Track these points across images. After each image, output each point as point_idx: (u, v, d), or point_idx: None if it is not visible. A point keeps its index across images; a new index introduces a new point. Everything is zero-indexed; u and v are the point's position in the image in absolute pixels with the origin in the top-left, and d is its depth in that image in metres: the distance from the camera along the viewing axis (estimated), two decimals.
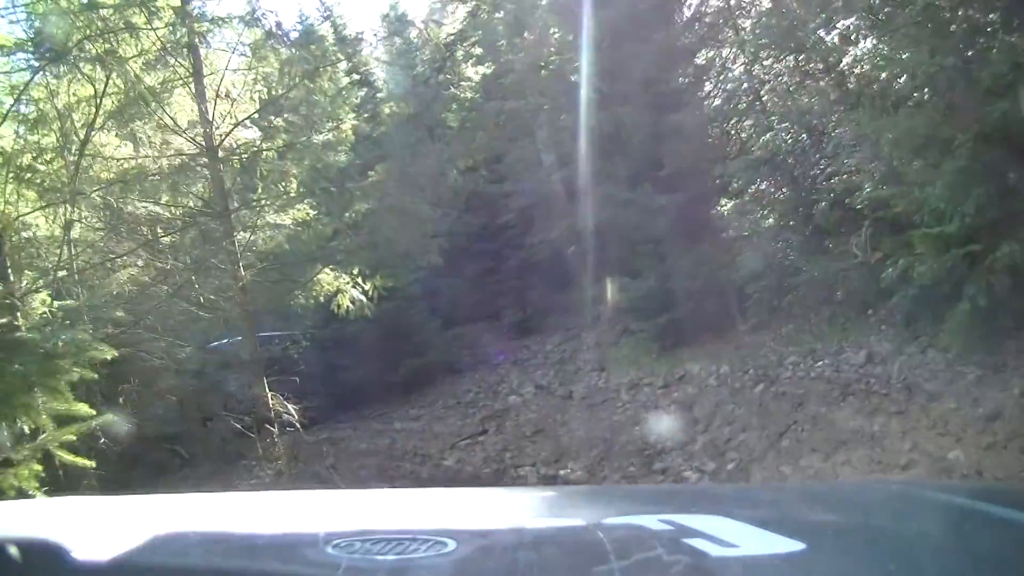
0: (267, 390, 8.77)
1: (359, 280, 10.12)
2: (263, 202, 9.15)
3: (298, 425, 8.54)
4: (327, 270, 10.20)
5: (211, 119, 8.93)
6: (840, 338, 8.89)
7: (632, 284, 11.68)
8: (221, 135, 9.06)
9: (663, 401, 10.29)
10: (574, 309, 16.12)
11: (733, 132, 13.00)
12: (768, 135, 10.42)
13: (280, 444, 8.76)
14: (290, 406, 8.56)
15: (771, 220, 10.68)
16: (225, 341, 13.74)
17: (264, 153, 9.43)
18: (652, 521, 1.10)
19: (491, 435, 11.11)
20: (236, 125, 9.16)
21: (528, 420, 11.44)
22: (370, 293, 10.18)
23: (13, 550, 0.93)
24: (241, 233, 9.51)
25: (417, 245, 10.10)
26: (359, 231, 9.84)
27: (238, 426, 8.91)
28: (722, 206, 11.30)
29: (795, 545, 0.99)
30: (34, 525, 1.37)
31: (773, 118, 10.69)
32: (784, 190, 10.53)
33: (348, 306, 10.39)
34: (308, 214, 10.11)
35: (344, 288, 10.26)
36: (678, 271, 11.09)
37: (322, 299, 10.39)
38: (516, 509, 1.39)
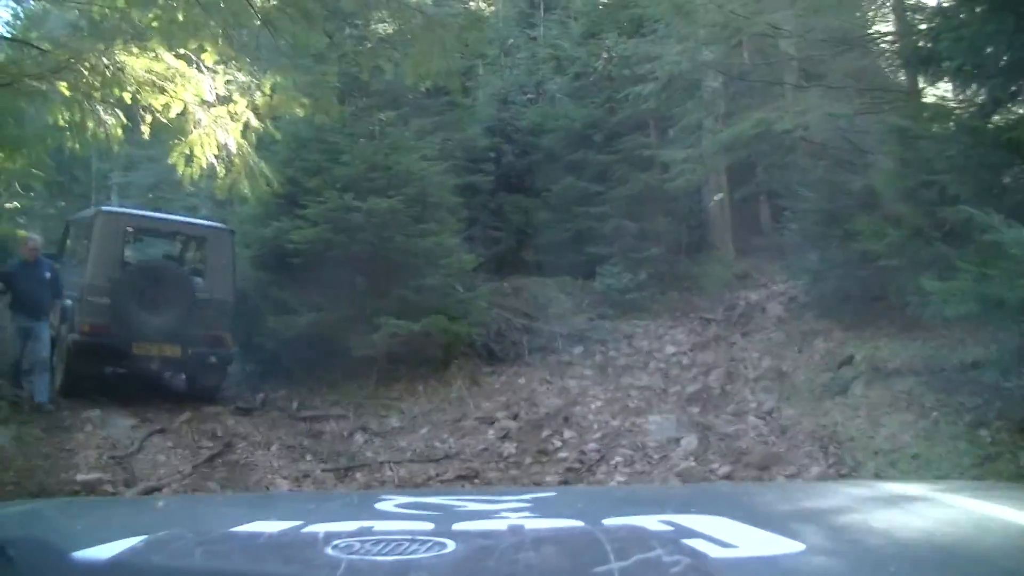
0: None
1: (232, 96, 3.85)
2: None
3: None
4: (135, 49, 3.91)
5: None
6: None
7: None
8: None
9: None
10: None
11: None
12: None
13: None
14: None
15: None
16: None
17: None
18: (652, 522, 1.11)
19: None
20: None
21: None
22: (259, 130, 3.80)
23: (12, 551, 0.88)
24: None
25: None
26: None
27: None
28: None
29: (794, 546, 0.98)
30: (34, 526, 1.36)
31: None
32: None
33: (209, 163, 4.06)
34: None
35: (202, 122, 3.88)
36: None
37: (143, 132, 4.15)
38: (516, 510, 1.39)
